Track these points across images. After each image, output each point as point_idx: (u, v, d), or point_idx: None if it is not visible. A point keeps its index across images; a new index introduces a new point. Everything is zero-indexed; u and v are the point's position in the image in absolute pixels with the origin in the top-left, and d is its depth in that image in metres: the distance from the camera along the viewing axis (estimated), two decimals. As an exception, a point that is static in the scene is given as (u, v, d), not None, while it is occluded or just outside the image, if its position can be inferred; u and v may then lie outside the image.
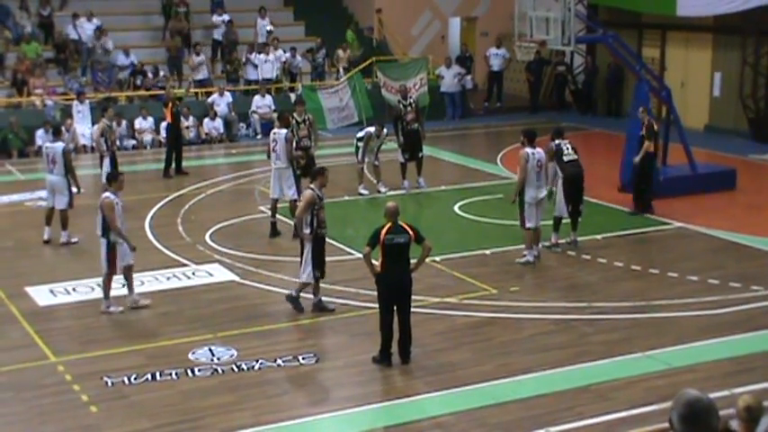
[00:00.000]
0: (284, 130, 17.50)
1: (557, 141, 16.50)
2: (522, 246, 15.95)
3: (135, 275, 14.75)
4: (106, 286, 13.78)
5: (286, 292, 13.92)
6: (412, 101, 21.13)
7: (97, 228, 13.67)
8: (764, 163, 23.83)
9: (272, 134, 17.72)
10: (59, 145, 17.18)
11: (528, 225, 15.69)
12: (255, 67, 28.60)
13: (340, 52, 29.67)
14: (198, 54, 28.38)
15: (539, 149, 15.86)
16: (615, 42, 21.22)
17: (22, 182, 22.16)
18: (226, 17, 29.94)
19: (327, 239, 13.80)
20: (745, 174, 21.56)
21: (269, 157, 17.64)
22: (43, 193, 19.13)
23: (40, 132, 24.39)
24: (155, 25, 30.44)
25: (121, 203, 13.81)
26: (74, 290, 14.77)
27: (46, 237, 17.23)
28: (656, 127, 18.57)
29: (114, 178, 13.99)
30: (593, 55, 30.92)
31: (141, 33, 30.40)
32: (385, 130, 20.50)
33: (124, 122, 25.68)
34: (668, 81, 24.89)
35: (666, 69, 28.38)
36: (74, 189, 17.30)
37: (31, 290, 14.73)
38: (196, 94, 27.81)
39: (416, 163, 20.83)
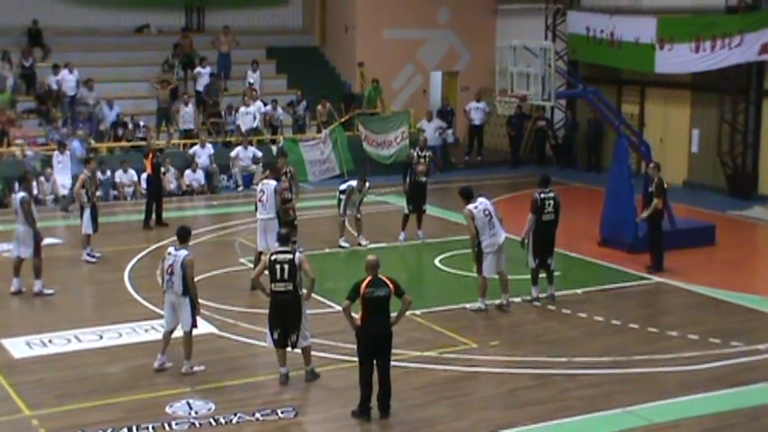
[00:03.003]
0: (273, 182, 17.53)
1: (541, 195, 16.51)
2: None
3: (112, 327, 14.71)
4: (189, 344, 13.34)
5: (300, 372, 13.16)
6: (428, 154, 21.14)
7: (177, 286, 13.14)
8: (743, 219, 23.97)
9: (260, 185, 17.74)
10: (20, 195, 17.09)
11: (484, 273, 15.95)
12: (237, 127, 28.75)
13: (319, 108, 29.75)
14: (186, 104, 28.46)
15: (480, 200, 16.03)
16: (595, 98, 21.41)
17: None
18: (209, 69, 30.06)
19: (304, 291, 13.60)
20: (724, 229, 21.67)
21: (257, 209, 17.61)
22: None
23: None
24: (140, 77, 30.49)
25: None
26: (50, 342, 14.61)
27: (13, 288, 17.03)
28: (665, 185, 18.60)
29: (189, 235, 13.63)
30: (573, 110, 31.19)
31: (127, 85, 30.44)
32: (367, 184, 20.55)
33: (108, 172, 25.68)
34: (647, 137, 25.14)
35: (645, 125, 28.65)
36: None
37: (6, 342, 14.56)
38: (182, 145, 27.86)
39: (417, 216, 20.88)
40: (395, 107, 31.57)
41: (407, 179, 20.81)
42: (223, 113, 29.40)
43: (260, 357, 13.98)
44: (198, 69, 29.99)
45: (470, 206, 15.92)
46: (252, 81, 30.15)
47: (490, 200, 16.34)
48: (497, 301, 16.18)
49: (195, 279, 13.26)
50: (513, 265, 17.40)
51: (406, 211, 20.90)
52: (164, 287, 13.38)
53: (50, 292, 17.04)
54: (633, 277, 18.35)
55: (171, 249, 13.39)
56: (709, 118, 26.98)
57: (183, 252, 13.21)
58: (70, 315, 16.08)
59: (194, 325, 13.36)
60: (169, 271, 13.19)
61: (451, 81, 34.83)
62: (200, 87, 29.78)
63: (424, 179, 20.84)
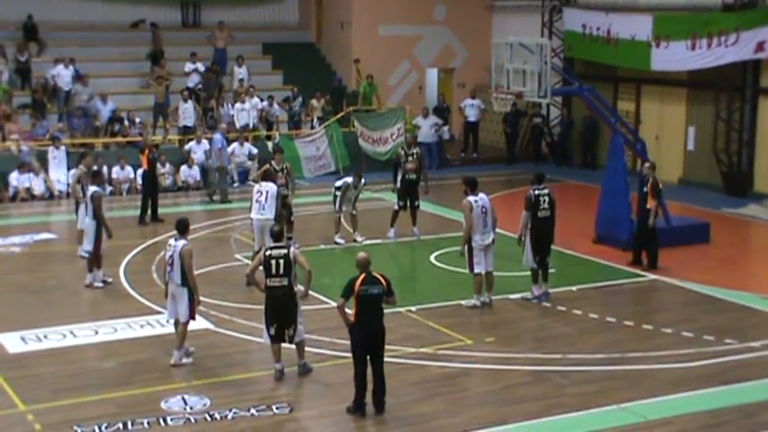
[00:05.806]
0: (273, 185, 17.59)
1: (535, 192, 16.49)
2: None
3: (107, 322, 14.70)
4: (183, 336, 13.49)
5: (295, 368, 13.18)
6: (415, 151, 21.10)
7: (176, 276, 13.33)
8: (737, 217, 23.99)
9: (258, 186, 17.75)
10: (92, 189, 17.34)
11: (476, 270, 15.95)
12: (231, 116, 28.69)
13: (314, 102, 29.75)
14: (185, 101, 28.39)
15: (481, 195, 16.10)
16: (591, 95, 21.43)
17: (-5, 227, 22.03)
18: (200, 65, 30.00)
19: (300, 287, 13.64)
20: (719, 227, 21.69)
21: (252, 208, 17.55)
22: (15, 239, 19.22)
23: (13, 174, 24.76)
24: (137, 72, 30.46)
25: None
26: (45, 337, 14.61)
27: (87, 281, 17.32)
28: (660, 184, 18.62)
29: (187, 226, 13.63)
30: (569, 107, 31.18)
31: (122, 80, 30.41)
32: (363, 180, 20.54)
33: (105, 167, 25.66)
34: (643, 134, 25.15)
35: (641, 123, 28.67)
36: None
37: (0, 336, 14.56)
38: (178, 141, 27.81)
39: (411, 212, 20.89)
40: (391, 104, 31.57)
41: (398, 177, 20.87)
42: (213, 109, 29.31)
43: (255, 353, 13.99)
44: (188, 65, 29.93)
45: (471, 198, 15.96)
46: (240, 77, 30.11)
47: (489, 197, 16.38)
48: (482, 298, 16.20)
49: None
50: (508, 261, 17.48)
51: (396, 207, 20.92)
52: (166, 278, 13.52)
53: (109, 280, 17.33)
54: (628, 274, 18.37)
55: (171, 241, 13.55)
56: (705, 115, 27.00)
57: (182, 242, 13.34)
58: (65, 310, 16.07)
59: (191, 317, 13.43)
60: (169, 262, 13.37)
61: (447, 78, 34.82)
62: (191, 84, 29.70)
63: (414, 176, 20.84)
